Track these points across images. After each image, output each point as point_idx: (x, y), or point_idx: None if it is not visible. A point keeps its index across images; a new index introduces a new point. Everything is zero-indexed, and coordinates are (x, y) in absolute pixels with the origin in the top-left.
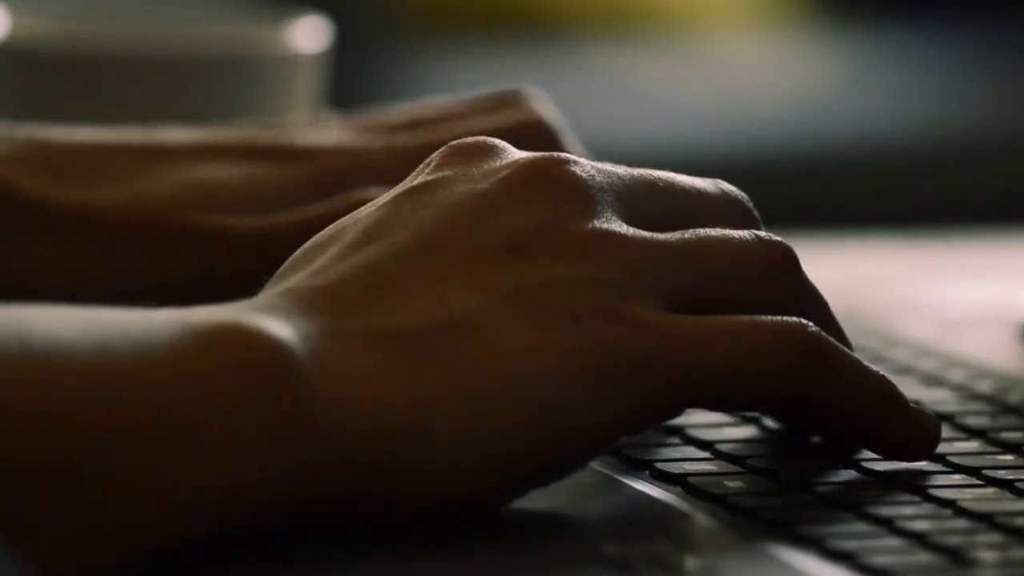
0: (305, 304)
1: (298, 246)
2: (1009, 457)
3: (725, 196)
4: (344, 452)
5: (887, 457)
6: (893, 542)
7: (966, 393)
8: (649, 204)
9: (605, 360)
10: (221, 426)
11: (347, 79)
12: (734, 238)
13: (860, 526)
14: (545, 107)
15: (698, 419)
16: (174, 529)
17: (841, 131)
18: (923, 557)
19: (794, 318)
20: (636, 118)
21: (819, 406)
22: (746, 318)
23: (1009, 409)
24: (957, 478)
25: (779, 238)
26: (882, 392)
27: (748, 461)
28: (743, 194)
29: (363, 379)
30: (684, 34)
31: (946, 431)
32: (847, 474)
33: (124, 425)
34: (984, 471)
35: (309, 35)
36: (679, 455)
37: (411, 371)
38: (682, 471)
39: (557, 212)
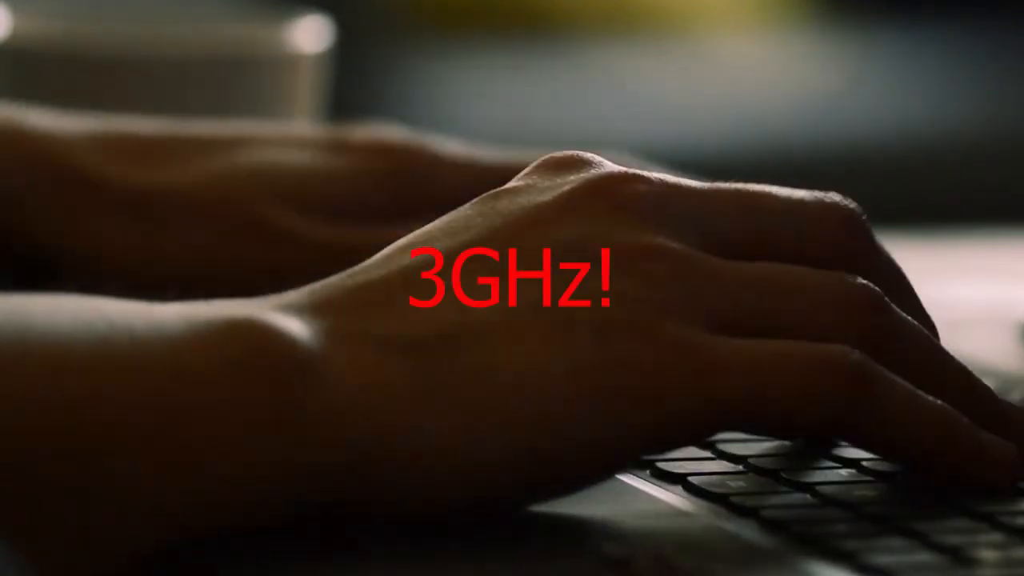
0: (324, 304)
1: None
2: None
3: (827, 214)
4: (343, 454)
5: (957, 485)
6: (893, 542)
7: None
8: (730, 225)
9: (621, 379)
10: (220, 423)
11: (347, 79)
12: (809, 279)
13: (860, 526)
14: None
15: None
16: (172, 525)
17: (842, 131)
18: (923, 557)
19: (839, 345)
20: (636, 118)
21: (863, 437)
22: (787, 343)
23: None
24: None
25: (866, 283)
26: (938, 424)
27: (749, 461)
28: (851, 208)
29: (368, 383)
30: (684, 34)
31: None
32: (847, 474)
33: (120, 421)
34: None
35: (309, 35)
36: (679, 455)
37: (416, 378)
38: (682, 471)
39: (607, 227)
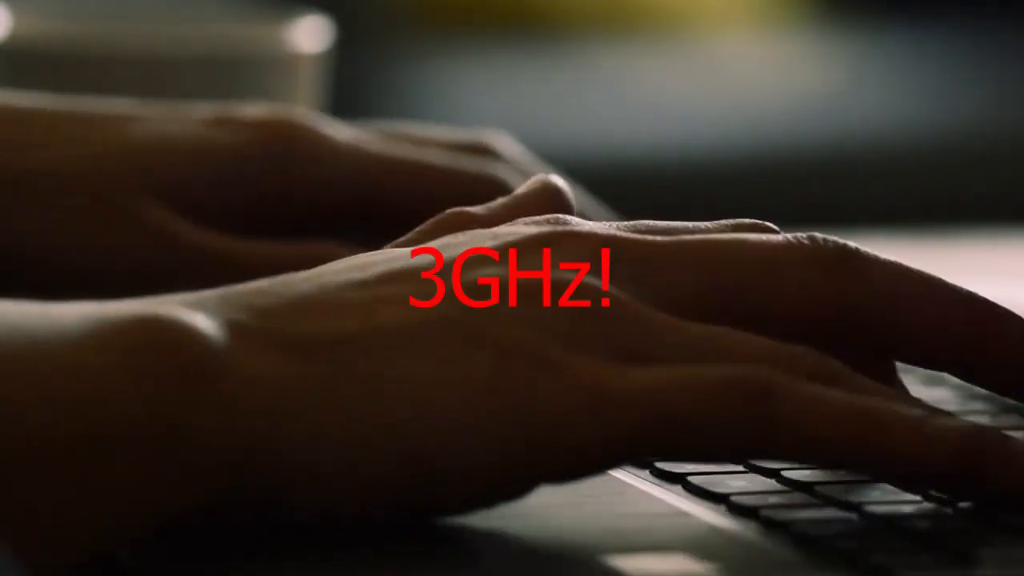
0: (236, 303)
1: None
2: None
3: (806, 264)
4: (240, 454)
5: (912, 490)
6: (893, 542)
7: (966, 393)
8: (681, 280)
9: (517, 402)
10: (121, 421)
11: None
12: (744, 341)
13: (860, 526)
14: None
15: None
16: (77, 525)
17: (841, 131)
18: (923, 557)
19: (744, 365)
20: (636, 118)
21: (781, 451)
22: (690, 368)
23: (1009, 409)
24: None
25: (810, 350)
26: (864, 423)
27: (748, 461)
28: (834, 247)
29: (267, 383)
30: (684, 34)
31: None
32: (847, 474)
33: (18, 421)
34: None
35: (309, 35)
36: None
37: (312, 381)
38: (682, 471)
39: (538, 264)
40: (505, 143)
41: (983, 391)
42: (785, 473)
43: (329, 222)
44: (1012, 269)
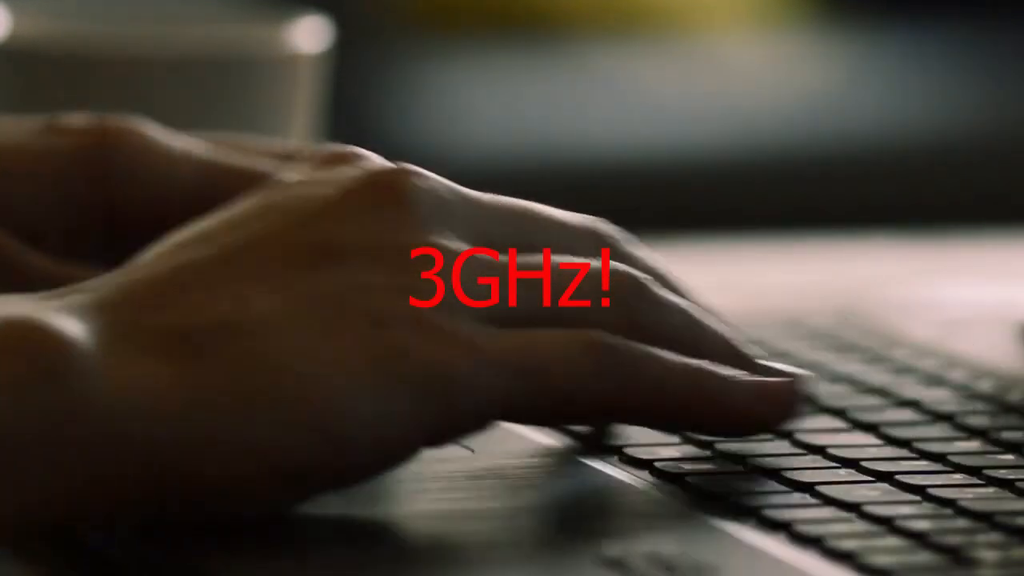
0: (105, 301)
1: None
2: (1009, 457)
3: (588, 232)
4: (126, 455)
5: (732, 435)
6: (893, 542)
7: (966, 393)
8: (499, 228)
9: (403, 368)
10: None
11: (347, 79)
12: (578, 269)
13: (860, 526)
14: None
15: None
16: None
17: (841, 131)
18: (923, 557)
19: (594, 330)
20: (636, 118)
21: (630, 411)
22: (553, 332)
23: (1009, 409)
24: (957, 478)
25: (626, 268)
26: (694, 379)
27: (748, 461)
28: (613, 235)
29: (143, 381)
30: (684, 34)
31: (946, 431)
32: (847, 474)
33: None
34: (984, 471)
35: (309, 35)
36: (679, 455)
37: (189, 373)
38: (681, 470)
39: (387, 222)
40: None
41: (983, 391)
42: (784, 473)
43: (161, 231)
44: (1012, 269)
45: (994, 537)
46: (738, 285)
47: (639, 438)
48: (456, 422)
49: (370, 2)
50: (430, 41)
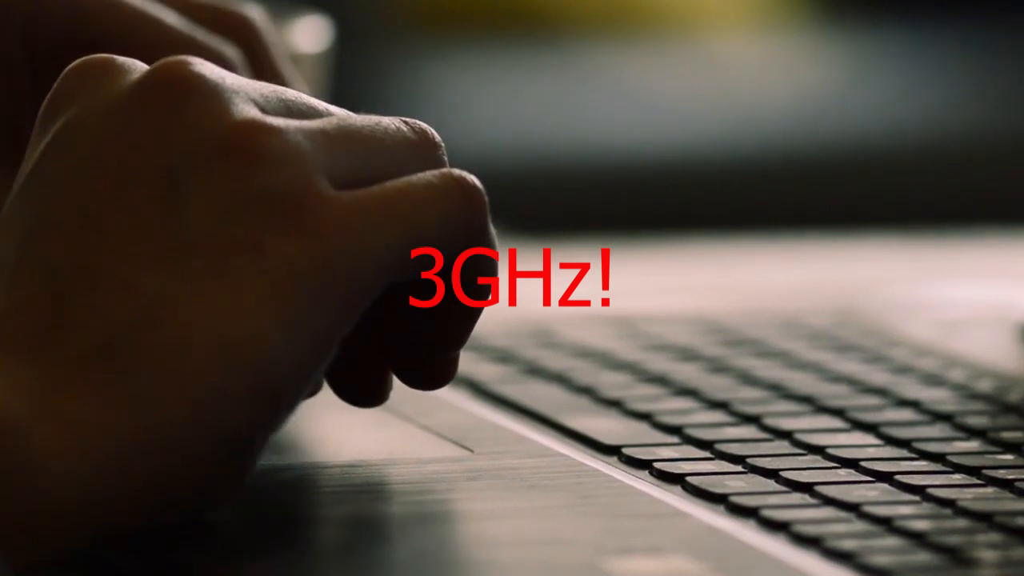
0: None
1: None
2: (1009, 457)
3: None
4: (69, 509)
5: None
6: (893, 542)
7: (966, 393)
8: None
9: (307, 275)
10: None
11: (347, 79)
12: (381, 122)
13: (860, 526)
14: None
15: (698, 419)
16: None
17: (841, 131)
18: (923, 557)
19: (433, 172)
20: (636, 118)
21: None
22: (401, 181)
23: (1009, 409)
24: (957, 478)
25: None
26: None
27: (748, 461)
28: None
29: (78, 425)
30: (684, 34)
31: (946, 431)
32: (847, 474)
33: None
34: (984, 471)
35: (309, 35)
36: (679, 455)
37: (117, 399)
38: (682, 471)
39: (195, 123)
40: (261, 22)
41: (982, 391)
42: (784, 473)
43: (46, 71)
44: (1012, 269)
45: (994, 537)
46: (738, 285)
47: (638, 440)
48: (364, 291)
49: (370, 2)
50: (430, 41)
